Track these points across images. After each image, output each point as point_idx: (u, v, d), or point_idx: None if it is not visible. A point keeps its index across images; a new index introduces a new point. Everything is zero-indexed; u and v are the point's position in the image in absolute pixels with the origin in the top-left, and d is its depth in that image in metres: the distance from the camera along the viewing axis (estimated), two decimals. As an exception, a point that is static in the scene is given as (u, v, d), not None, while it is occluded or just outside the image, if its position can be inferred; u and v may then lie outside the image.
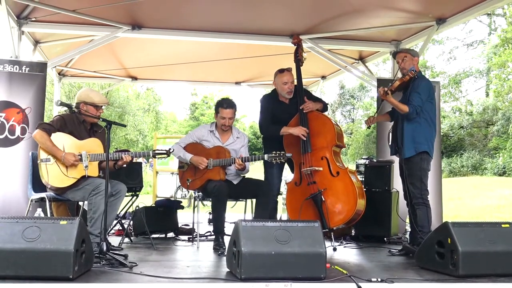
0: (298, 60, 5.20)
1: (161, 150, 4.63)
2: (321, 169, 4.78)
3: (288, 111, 5.06)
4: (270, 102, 5.18)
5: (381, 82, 6.74)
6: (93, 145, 4.39)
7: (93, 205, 4.16)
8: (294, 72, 5.14)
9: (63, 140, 4.28)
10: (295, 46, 5.29)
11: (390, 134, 6.45)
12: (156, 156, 4.62)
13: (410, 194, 4.61)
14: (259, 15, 6.06)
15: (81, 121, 4.43)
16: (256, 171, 5.20)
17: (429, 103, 4.60)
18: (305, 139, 4.84)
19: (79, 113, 4.36)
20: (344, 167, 4.83)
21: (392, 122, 5.01)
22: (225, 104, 4.98)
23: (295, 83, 5.12)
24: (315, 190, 4.71)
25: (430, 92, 4.63)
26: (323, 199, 4.67)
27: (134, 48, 7.43)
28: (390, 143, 5.05)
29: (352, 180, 4.73)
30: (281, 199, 5.85)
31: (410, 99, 4.49)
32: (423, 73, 4.92)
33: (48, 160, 4.20)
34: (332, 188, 4.73)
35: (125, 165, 4.46)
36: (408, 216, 5.25)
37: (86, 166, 4.24)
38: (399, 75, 4.74)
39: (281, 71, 5.12)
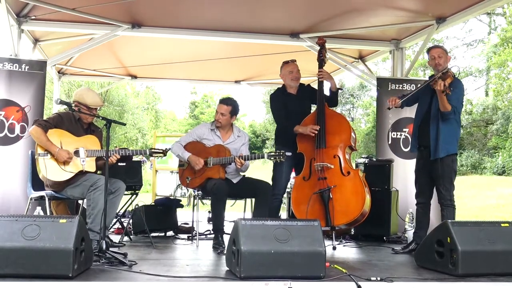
0: (322, 60, 5.21)
1: (158, 149, 4.69)
2: (332, 166, 4.80)
3: (298, 102, 5.18)
4: (280, 97, 5.26)
5: (381, 81, 6.75)
6: (90, 141, 4.42)
7: (92, 201, 4.17)
8: (315, 70, 5.19)
9: (60, 136, 4.30)
10: (319, 47, 5.28)
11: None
12: (153, 155, 4.67)
13: (419, 194, 4.66)
14: (259, 14, 6.06)
15: (77, 119, 4.46)
16: (256, 170, 5.20)
17: (461, 104, 4.65)
18: (313, 135, 4.87)
19: (75, 111, 4.39)
20: (355, 168, 4.86)
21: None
22: (222, 100, 5.12)
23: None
24: (325, 186, 4.72)
25: (464, 94, 4.70)
26: (331, 196, 4.68)
27: (133, 47, 7.43)
28: (411, 140, 4.93)
29: (362, 182, 4.75)
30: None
31: (449, 98, 4.41)
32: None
33: (45, 154, 4.23)
34: (341, 186, 4.74)
35: (123, 163, 4.46)
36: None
37: (84, 161, 4.26)
38: (438, 73, 4.55)
39: (286, 62, 5.30)
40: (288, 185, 5.69)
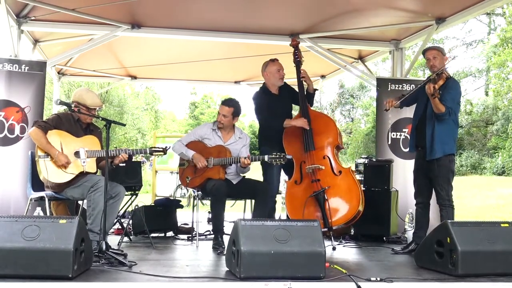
0: (298, 61, 5.22)
1: (158, 147, 4.66)
2: (323, 167, 4.81)
3: (280, 102, 5.17)
4: (263, 97, 5.22)
5: (380, 81, 6.75)
6: (90, 142, 4.41)
7: (92, 202, 4.17)
8: (294, 73, 5.18)
9: (60, 137, 4.30)
10: (293, 48, 5.28)
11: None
12: (153, 154, 4.64)
13: (417, 194, 4.68)
14: (258, 14, 6.06)
15: (76, 120, 4.45)
16: (257, 169, 5.20)
17: (457, 105, 4.63)
18: (307, 128, 4.89)
19: (74, 112, 4.38)
20: (344, 167, 4.87)
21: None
22: (224, 101, 5.08)
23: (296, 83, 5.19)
24: (319, 188, 4.72)
25: (460, 94, 4.69)
26: (326, 198, 4.68)
27: (133, 47, 7.43)
28: (410, 140, 4.97)
29: (355, 180, 4.75)
30: (279, 198, 5.85)
31: (443, 99, 4.43)
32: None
33: (46, 156, 4.22)
34: (335, 187, 4.75)
35: (123, 164, 4.46)
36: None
37: (84, 162, 4.26)
38: (432, 74, 4.60)
39: (272, 60, 5.24)
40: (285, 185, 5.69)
